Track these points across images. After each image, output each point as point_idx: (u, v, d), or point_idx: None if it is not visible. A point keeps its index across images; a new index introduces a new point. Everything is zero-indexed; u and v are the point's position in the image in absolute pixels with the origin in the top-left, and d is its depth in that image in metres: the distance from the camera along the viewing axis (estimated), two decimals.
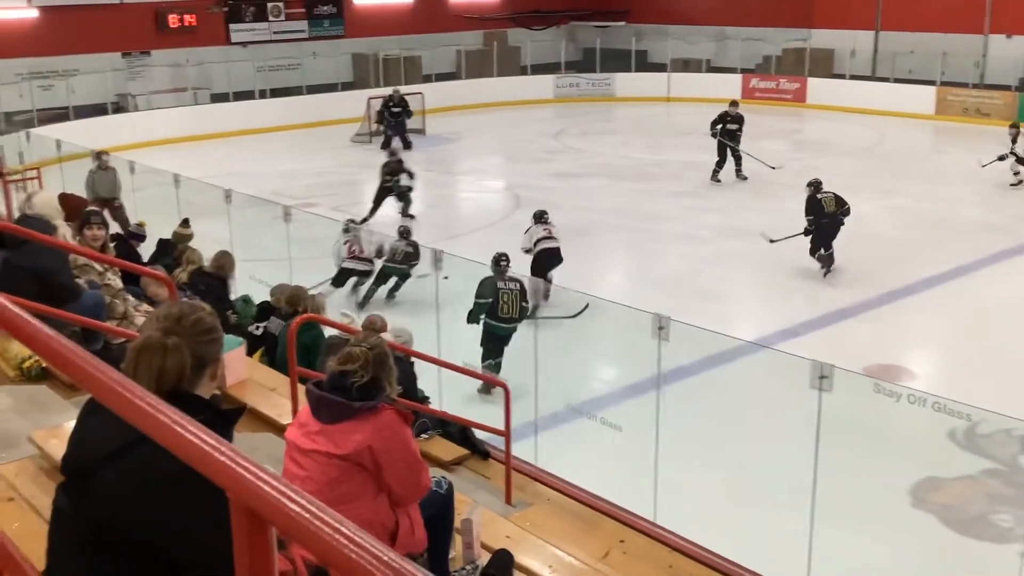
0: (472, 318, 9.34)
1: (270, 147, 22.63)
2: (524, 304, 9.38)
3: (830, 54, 28.18)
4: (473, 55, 29.62)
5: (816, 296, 11.90)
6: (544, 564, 4.38)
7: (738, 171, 18.43)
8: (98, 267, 5.81)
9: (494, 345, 9.14)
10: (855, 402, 6.45)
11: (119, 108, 23.80)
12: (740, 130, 18.27)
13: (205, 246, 9.11)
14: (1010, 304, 11.70)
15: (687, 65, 29.81)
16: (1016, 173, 17.65)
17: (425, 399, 6.78)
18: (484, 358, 9.06)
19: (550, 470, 6.25)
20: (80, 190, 12.52)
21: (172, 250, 9.30)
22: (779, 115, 26.46)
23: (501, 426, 5.84)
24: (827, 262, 12.67)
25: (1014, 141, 17.75)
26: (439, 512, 3.83)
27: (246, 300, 8.95)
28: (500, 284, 9.28)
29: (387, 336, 6.28)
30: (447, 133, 23.79)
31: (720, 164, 18.23)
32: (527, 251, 11.79)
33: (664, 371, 6.82)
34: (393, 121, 22.25)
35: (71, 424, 2.16)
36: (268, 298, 8.40)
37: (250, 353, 7.03)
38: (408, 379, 6.22)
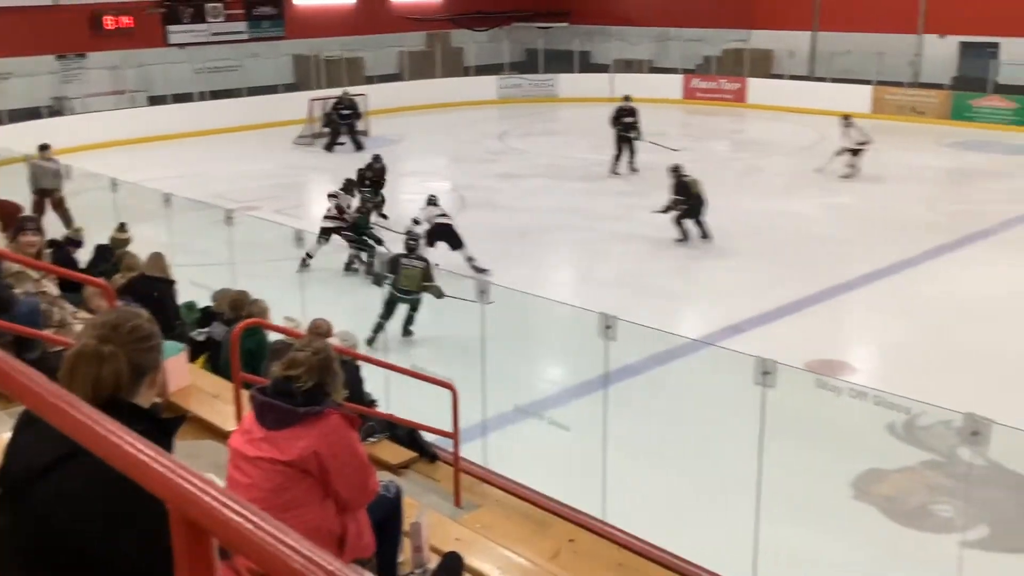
0: (378, 283, 11.24)
1: (210, 150, 22.32)
2: (425, 283, 10.52)
3: (769, 55, 28.63)
4: (416, 56, 29.53)
5: (759, 293, 12.06)
6: (494, 566, 4.38)
7: (631, 163, 19.25)
8: (34, 274, 5.68)
9: (388, 308, 10.54)
10: (798, 397, 6.54)
11: (54, 112, 23.29)
12: (636, 122, 19.12)
13: (145, 252, 8.94)
14: (947, 299, 11.97)
15: (629, 66, 30.05)
16: (851, 166, 18.57)
17: (372, 402, 6.73)
18: (381, 316, 10.48)
19: (499, 471, 6.25)
20: (14, 196, 12.22)
21: (110, 256, 9.12)
22: (720, 115, 26.80)
23: (449, 428, 5.82)
24: (703, 232, 14.30)
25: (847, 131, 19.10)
26: (387, 516, 3.81)
27: (189, 306, 8.81)
28: (404, 261, 10.64)
29: (333, 340, 6.23)
30: (391, 134, 23.68)
31: (618, 157, 19.12)
32: (419, 223, 13.17)
33: (611, 370, 6.85)
34: (343, 124, 22.22)
35: (5, 436, 2.10)
36: (210, 303, 8.27)
37: (193, 359, 6.92)
38: (354, 383, 6.17)
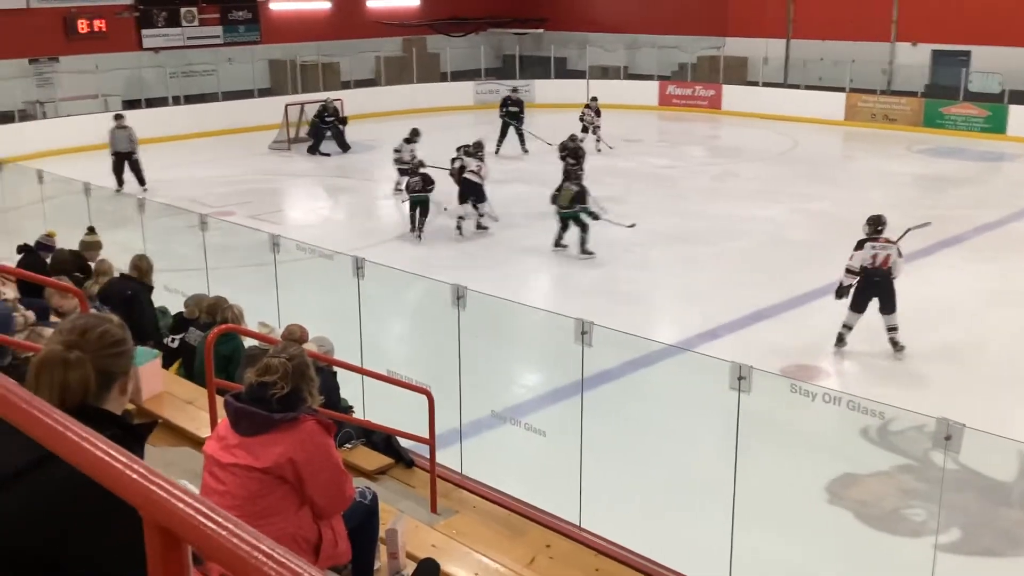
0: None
1: (185, 154, 22.18)
2: (579, 203, 14.03)
3: (744, 62, 28.83)
4: (392, 62, 29.49)
5: (734, 298, 12.12)
6: (470, 572, 4.37)
7: (522, 146, 22.18)
8: None
9: (562, 224, 14.19)
10: (773, 402, 6.58)
11: (27, 116, 23.06)
12: (521, 112, 22.54)
13: (118, 257, 8.87)
14: (918, 303, 12.05)
15: (605, 72, 30.18)
16: (600, 140, 21.58)
17: (348, 408, 6.71)
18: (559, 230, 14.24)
19: (475, 477, 6.24)
20: None
21: (81, 260, 9.04)
22: (696, 121, 26.96)
23: (425, 434, 5.81)
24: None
25: (598, 114, 22.03)
26: (363, 523, 3.79)
27: (162, 311, 8.75)
28: (564, 184, 14.23)
29: (309, 346, 6.20)
30: (366, 140, 23.61)
31: (500, 142, 22.02)
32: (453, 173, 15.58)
33: (587, 375, 6.85)
34: (327, 129, 22.58)
35: None
36: (183, 309, 8.21)
37: (166, 365, 6.87)
38: (330, 389, 6.15)
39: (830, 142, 24.69)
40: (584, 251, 13.86)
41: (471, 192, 15.24)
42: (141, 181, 18.08)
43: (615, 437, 7.98)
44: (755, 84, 28.16)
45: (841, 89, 26.07)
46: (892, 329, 10.36)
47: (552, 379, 9.59)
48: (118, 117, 18.71)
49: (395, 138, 20.23)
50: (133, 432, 2.07)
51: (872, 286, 10.34)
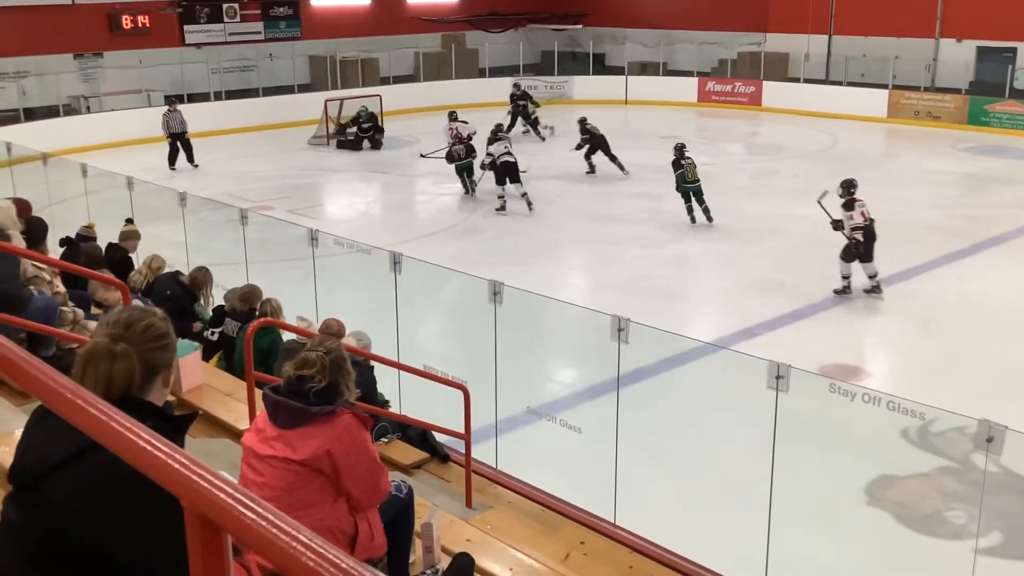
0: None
1: (225, 149, 22.40)
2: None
3: (785, 58, 28.55)
4: (431, 57, 29.57)
5: (772, 297, 12.02)
6: (505, 567, 4.38)
7: (537, 131, 23.83)
8: (47, 276, 5.69)
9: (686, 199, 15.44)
10: (811, 402, 6.52)
11: (71, 110, 23.42)
12: (526, 103, 24.12)
13: (161, 250, 8.98)
14: (962, 304, 11.91)
15: (644, 68, 30.04)
16: (545, 127, 23.55)
17: (385, 403, 6.74)
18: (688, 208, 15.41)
19: (510, 473, 6.24)
20: (29, 195, 12.29)
21: (121, 253, 9.17)
22: (735, 118, 26.75)
23: (461, 429, 5.83)
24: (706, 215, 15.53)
25: (538, 105, 24.09)
26: (399, 516, 3.81)
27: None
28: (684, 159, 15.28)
29: (347, 340, 6.24)
30: (405, 136, 23.71)
31: (510, 127, 23.35)
32: (488, 166, 16.91)
33: (623, 373, 6.83)
34: (364, 136, 22.89)
35: (18, 433, 2.11)
36: (223, 302, 8.29)
37: (206, 358, 6.94)
38: (367, 383, 6.18)
39: (872, 140, 24.38)
40: (709, 218, 15.39)
41: (508, 173, 16.51)
42: (191, 159, 20.31)
43: (651, 435, 7.94)
44: (796, 80, 27.88)
45: (884, 86, 25.75)
46: (874, 276, 12.09)
47: (588, 376, 9.57)
48: (171, 101, 20.88)
49: (431, 134, 20.38)
50: (174, 423, 2.10)
51: (871, 236, 12.01)
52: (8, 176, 14.61)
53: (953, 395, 8.25)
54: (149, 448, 1.34)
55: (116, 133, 22.22)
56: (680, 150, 15.46)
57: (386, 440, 5.95)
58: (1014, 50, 24.85)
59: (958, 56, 26.04)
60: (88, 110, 23.62)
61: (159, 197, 12.06)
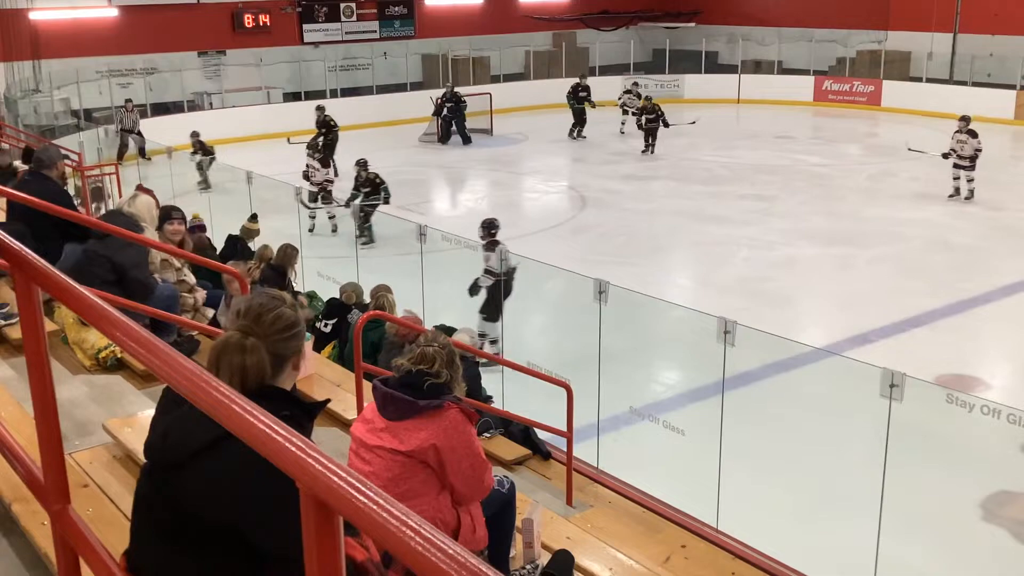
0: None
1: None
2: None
3: (906, 56, 27.60)
4: (542, 56, 29.63)
5: (888, 303, 11.66)
6: (604, 566, 4.38)
7: (580, 132, 23.65)
8: (176, 263, 5.93)
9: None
10: (926, 412, 6.32)
11: (194, 106, 24.30)
12: (589, 96, 23.84)
13: (275, 243, 9.26)
14: None
15: (758, 67, 29.47)
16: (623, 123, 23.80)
17: (488, 398, 6.81)
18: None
19: (611, 472, 6.23)
20: (156, 185, 12.83)
21: (241, 245, 9.47)
22: (853, 118, 26.01)
23: (563, 427, 5.84)
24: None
25: (639, 99, 22.90)
26: (500, 511, 3.85)
27: (311, 296, 9.08)
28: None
29: (460, 336, 6.33)
30: (514, 133, 23.83)
31: (575, 125, 23.67)
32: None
33: (729, 376, 6.74)
34: (449, 116, 22.89)
35: (144, 413, 2.23)
36: (336, 295, 8.51)
37: (317, 349, 7.13)
38: (473, 378, 6.26)
39: (998, 142, 23.34)
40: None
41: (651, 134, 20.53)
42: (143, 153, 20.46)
43: (756, 440, 7.81)
44: (918, 80, 26.92)
45: (1011, 86, 24.65)
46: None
47: (692, 378, 9.46)
48: (319, 109, 21.31)
49: (542, 131, 20.42)
50: (306, 410, 2.19)
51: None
52: (135, 168, 15.27)
53: None
54: (268, 431, 1.40)
55: (237, 129, 22.95)
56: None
57: (489, 435, 6.01)
58: None
59: None
60: (211, 106, 24.45)
61: (276, 191, 12.43)
